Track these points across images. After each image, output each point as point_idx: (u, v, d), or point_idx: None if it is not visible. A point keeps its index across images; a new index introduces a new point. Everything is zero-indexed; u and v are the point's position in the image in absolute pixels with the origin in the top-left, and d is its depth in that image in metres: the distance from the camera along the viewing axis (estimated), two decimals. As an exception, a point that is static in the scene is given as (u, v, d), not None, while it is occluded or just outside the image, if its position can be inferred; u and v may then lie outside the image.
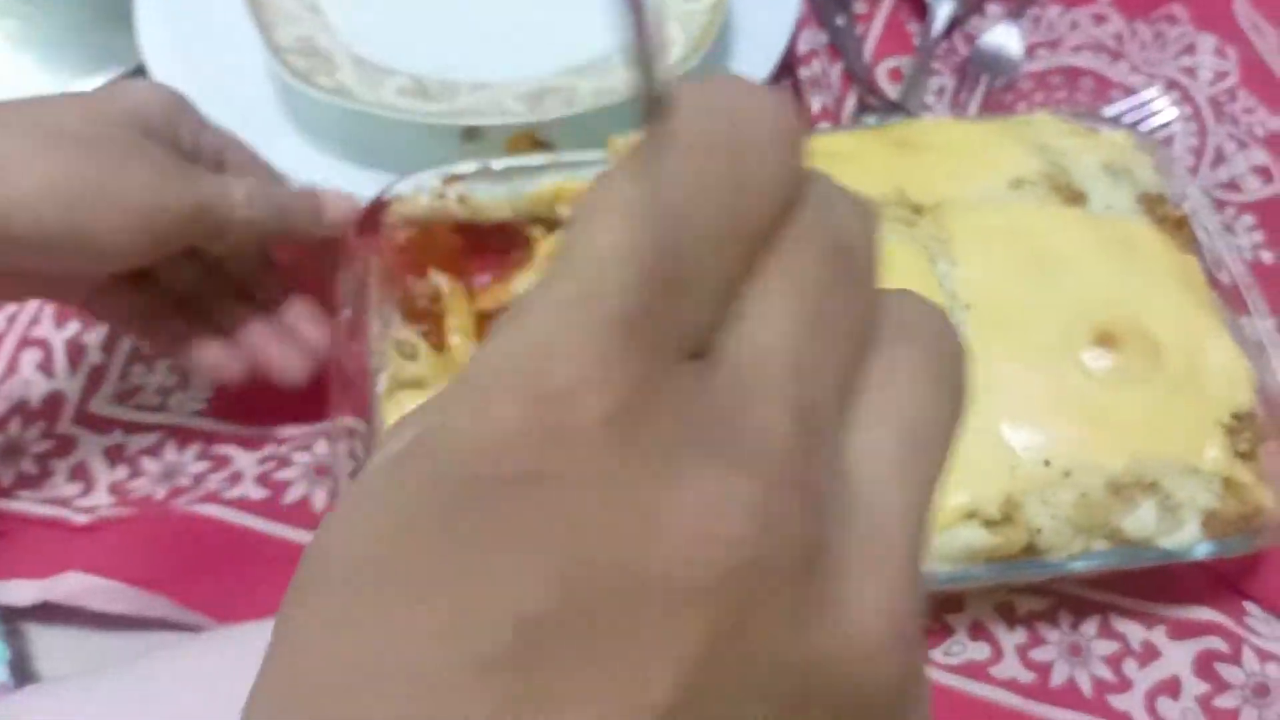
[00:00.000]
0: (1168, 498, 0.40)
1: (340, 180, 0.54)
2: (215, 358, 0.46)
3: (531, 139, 0.56)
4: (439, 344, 0.47)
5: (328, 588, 0.16)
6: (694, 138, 0.16)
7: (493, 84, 0.54)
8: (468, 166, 0.49)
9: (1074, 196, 0.47)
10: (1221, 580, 0.44)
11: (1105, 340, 0.42)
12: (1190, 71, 0.61)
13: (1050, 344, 0.42)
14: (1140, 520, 0.40)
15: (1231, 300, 0.46)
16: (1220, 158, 0.58)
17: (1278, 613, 0.44)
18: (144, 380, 0.50)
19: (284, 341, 0.46)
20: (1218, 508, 0.40)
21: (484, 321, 0.49)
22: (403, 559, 0.15)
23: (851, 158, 0.46)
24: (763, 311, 0.17)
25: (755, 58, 0.58)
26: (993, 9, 0.64)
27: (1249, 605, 0.44)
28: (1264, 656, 0.43)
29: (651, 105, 0.16)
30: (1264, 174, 0.57)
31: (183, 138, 0.44)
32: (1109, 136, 0.50)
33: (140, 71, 0.58)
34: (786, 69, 0.60)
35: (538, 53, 0.56)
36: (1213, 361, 0.43)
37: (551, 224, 0.49)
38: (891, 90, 0.60)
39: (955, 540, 0.39)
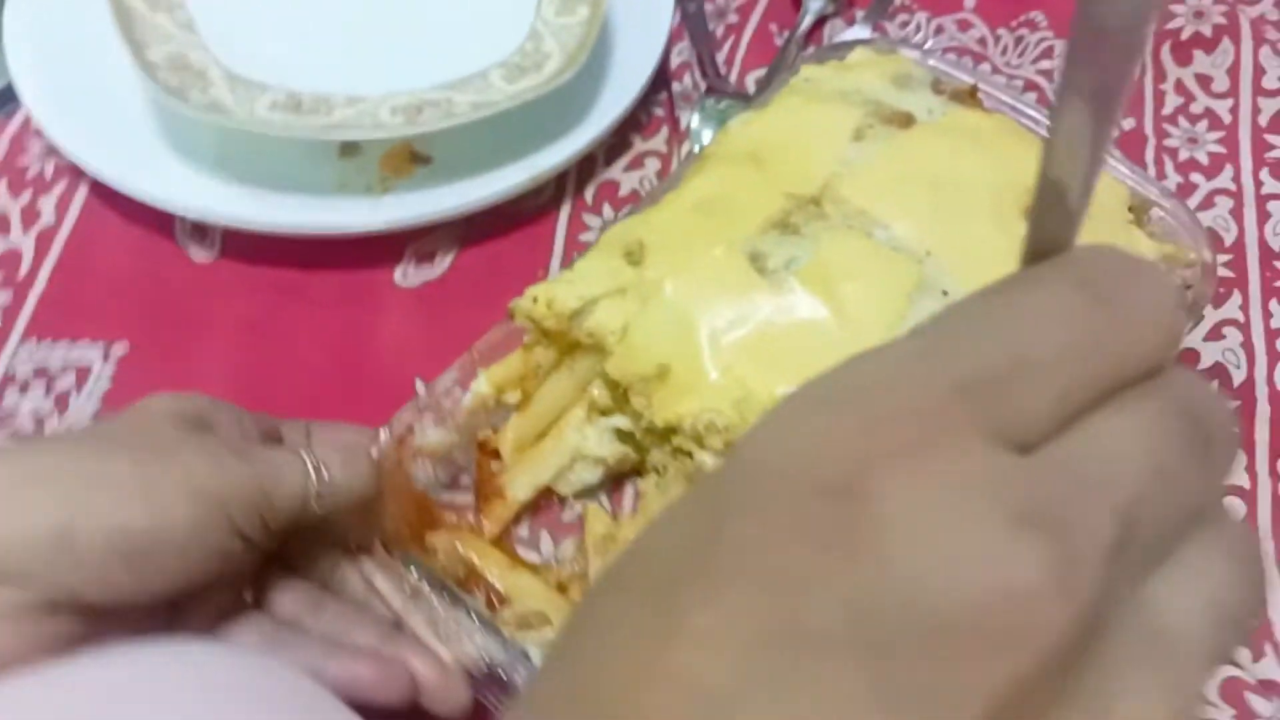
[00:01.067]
0: None
1: (217, 201, 0.54)
2: (368, 679, 0.37)
3: (410, 152, 0.57)
4: (495, 598, 0.43)
5: (620, 589, 0.17)
6: (1095, 273, 0.19)
7: (368, 98, 0.55)
8: (410, 423, 0.44)
9: (906, 119, 0.48)
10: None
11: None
12: (1048, 74, 0.63)
13: (1009, 246, 0.43)
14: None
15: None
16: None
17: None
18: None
19: (421, 652, 0.38)
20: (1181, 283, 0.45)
21: (501, 545, 0.45)
22: (701, 559, 0.16)
23: (734, 199, 0.46)
24: (1113, 429, 0.18)
25: (629, 71, 0.59)
26: (860, 14, 0.66)
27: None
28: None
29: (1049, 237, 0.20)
30: (1117, 175, 0.60)
31: (223, 425, 0.39)
32: (854, 59, 0.53)
33: (9, 90, 0.57)
34: (661, 83, 0.61)
35: (414, 68, 0.57)
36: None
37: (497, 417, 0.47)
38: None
39: None
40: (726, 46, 0.65)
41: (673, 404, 0.42)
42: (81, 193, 0.58)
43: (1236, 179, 0.59)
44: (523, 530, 0.47)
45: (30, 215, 0.57)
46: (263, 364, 0.53)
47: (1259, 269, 0.56)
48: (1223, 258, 0.56)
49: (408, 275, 0.56)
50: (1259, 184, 0.59)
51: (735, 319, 0.43)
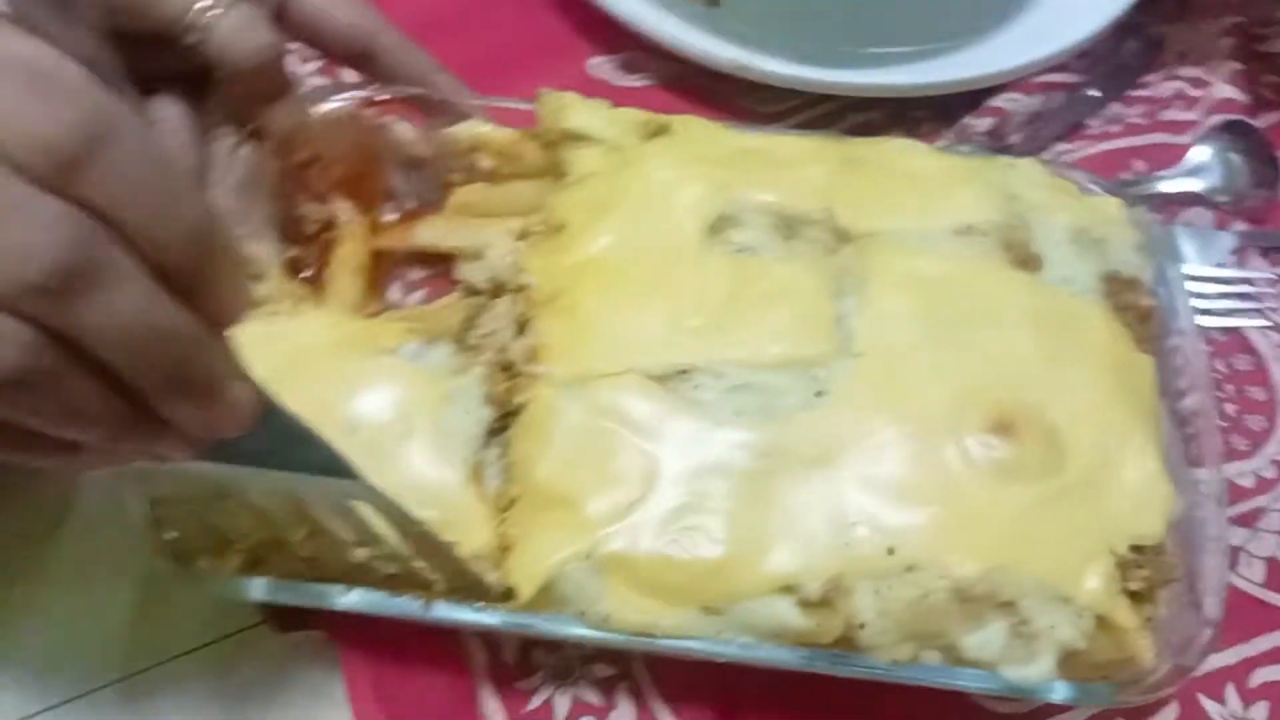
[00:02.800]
0: (1023, 622, 0.34)
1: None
2: None
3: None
4: (318, 275, 0.44)
5: None
6: None
7: None
8: (389, 92, 0.45)
9: (1026, 259, 0.40)
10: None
11: (1001, 427, 0.36)
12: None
13: (937, 417, 0.36)
14: (984, 641, 0.34)
15: (1183, 424, 0.40)
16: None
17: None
18: None
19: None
20: (1082, 647, 0.34)
21: (380, 261, 0.45)
22: None
23: (786, 163, 0.41)
24: None
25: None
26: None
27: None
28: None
29: None
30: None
31: None
32: (1096, 201, 0.43)
33: None
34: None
35: None
36: (1127, 479, 0.36)
37: (469, 172, 0.46)
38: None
39: (763, 612, 0.34)
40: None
41: (545, 255, 0.40)
42: None
43: None
44: (415, 274, 0.47)
45: None
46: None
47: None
48: None
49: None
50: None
51: (641, 242, 0.39)
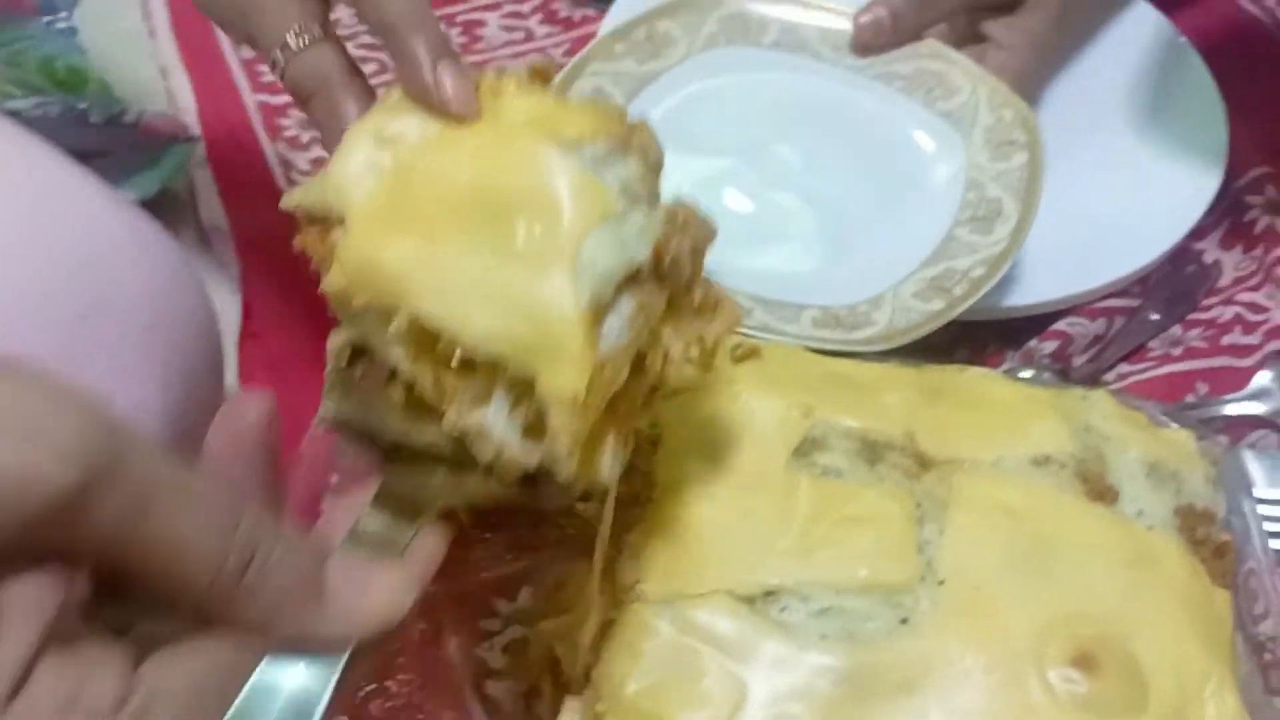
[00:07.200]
0: None
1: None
2: None
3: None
4: None
5: None
6: None
7: (882, 294, 0.53)
8: None
9: (1102, 491, 0.40)
10: None
11: (1084, 661, 0.36)
12: None
13: (1019, 648, 0.36)
14: None
15: (1259, 650, 0.40)
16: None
17: None
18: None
19: None
20: None
21: None
22: None
23: (869, 389, 0.43)
24: None
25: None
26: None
27: None
28: None
29: None
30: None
31: None
32: (1167, 434, 0.43)
33: None
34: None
35: (888, 251, 0.56)
36: (1207, 717, 0.36)
37: None
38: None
39: None
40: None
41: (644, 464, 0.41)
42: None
43: None
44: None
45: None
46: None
47: None
48: None
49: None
50: None
51: (731, 462, 0.40)
